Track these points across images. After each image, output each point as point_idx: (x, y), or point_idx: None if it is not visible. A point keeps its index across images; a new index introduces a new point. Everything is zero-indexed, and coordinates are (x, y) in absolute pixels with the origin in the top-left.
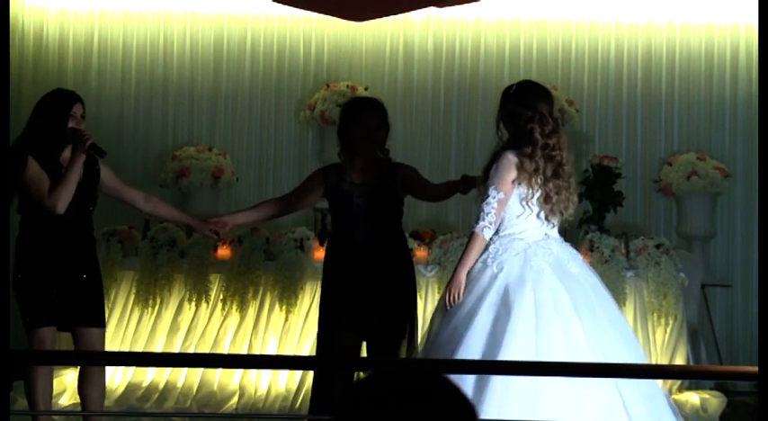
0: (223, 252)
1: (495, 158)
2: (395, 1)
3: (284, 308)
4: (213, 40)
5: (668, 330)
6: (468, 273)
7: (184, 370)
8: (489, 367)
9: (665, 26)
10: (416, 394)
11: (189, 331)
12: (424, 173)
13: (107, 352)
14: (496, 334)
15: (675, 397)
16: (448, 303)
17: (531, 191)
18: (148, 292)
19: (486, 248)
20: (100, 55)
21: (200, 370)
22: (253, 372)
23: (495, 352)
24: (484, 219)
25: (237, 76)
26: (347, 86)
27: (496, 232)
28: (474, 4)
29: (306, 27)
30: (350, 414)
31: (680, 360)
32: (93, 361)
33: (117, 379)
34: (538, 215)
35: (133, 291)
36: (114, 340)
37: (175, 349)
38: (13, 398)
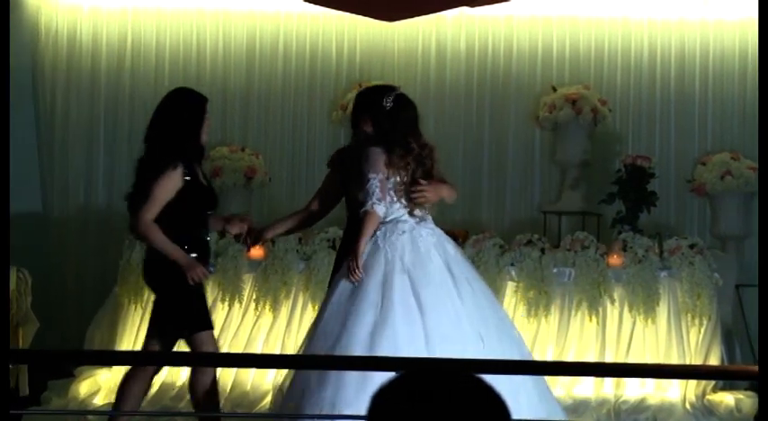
0: (256, 252)
1: (363, 154)
2: (427, 0)
3: (317, 307)
4: (246, 39)
5: (702, 331)
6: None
7: (218, 369)
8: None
9: (698, 23)
10: (450, 393)
11: (222, 331)
12: (458, 172)
13: (142, 352)
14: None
15: (710, 397)
16: (351, 276)
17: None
18: None
19: (376, 234)
20: (133, 54)
21: (234, 369)
22: (285, 372)
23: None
24: (371, 198)
25: (270, 76)
26: None
27: (384, 220)
28: (506, 2)
29: (338, 26)
30: (383, 413)
31: (714, 360)
32: (124, 360)
33: None
34: (402, 203)
35: None
36: None
37: None
38: (47, 398)
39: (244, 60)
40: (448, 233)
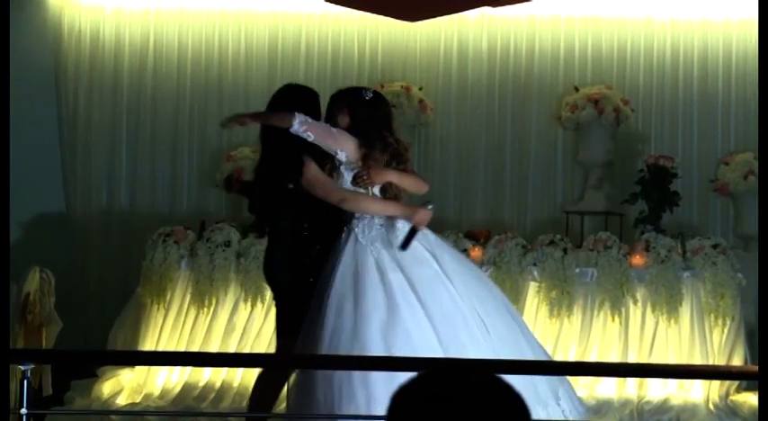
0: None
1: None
2: (449, 1)
3: None
4: (268, 39)
5: (725, 331)
6: (341, 249)
7: (240, 370)
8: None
9: (721, 23)
10: (470, 393)
11: (244, 331)
12: (479, 173)
13: (164, 352)
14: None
15: (733, 398)
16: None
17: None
18: (204, 293)
19: (351, 229)
20: (155, 55)
21: (257, 370)
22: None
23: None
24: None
25: (292, 76)
26: (401, 87)
27: (355, 216)
28: (528, 2)
29: (360, 26)
30: (403, 413)
31: (737, 361)
32: (147, 360)
33: (174, 378)
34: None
35: (189, 291)
36: (171, 340)
37: (231, 349)
38: (70, 398)
39: (266, 61)
40: (469, 233)
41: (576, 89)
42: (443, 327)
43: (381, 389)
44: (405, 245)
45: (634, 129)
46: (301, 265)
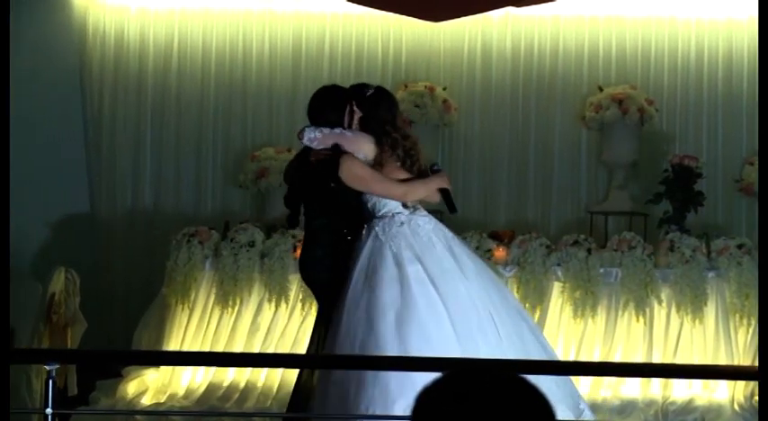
0: None
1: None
2: (472, 1)
3: None
4: (292, 39)
5: (750, 331)
6: (362, 248)
7: (264, 370)
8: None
9: (746, 22)
10: (496, 393)
11: (269, 331)
12: (503, 173)
13: (189, 352)
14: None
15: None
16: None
17: None
18: (228, 293)
19: (372, 229)
20: (180, 55)
21: (281, 370)
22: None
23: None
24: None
25: (316, 76)
26: (425, 87)
27: (376, 215)
28: (552, 2)
29: (384, 27)
30: (427, 413)
31: None
32: (171, 361)
33: (198, 378)
34: None
35: (213, 291)
36: (195, 340)
37: (255, 349)
38: (95, 398)
39: (290, 61)
40: (493, 234)
41: (600, 89)
42: (460, 322)
43: (394, 381)
44: (453, 206)
45: (658, 128)
46: (342, 264)
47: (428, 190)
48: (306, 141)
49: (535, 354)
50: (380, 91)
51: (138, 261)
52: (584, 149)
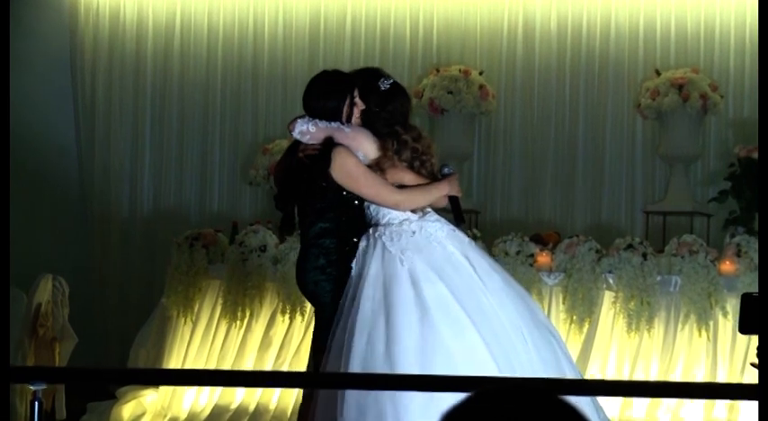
0: None
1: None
2: None
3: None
4: (309, 17)
5: None
6: (367, 260)
7: (277, 390)
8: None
9: None
10: (533, 415)
11: (282, 347)
12: (547, 168)
13: (192, 370)
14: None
15: None
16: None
17: None
18: (237, 304)
19: (378, 238)
20: (183, 35)
21: (296, 391)
22: None
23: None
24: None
25: (336, 59)
26: (459, 70)
27: (380, 221)
28: None
29: (413, 3)
30: None
31: None
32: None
33: (203, 400)
34: None
35: (220, 302)
36: (199, 357)
37: (267, 367)
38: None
39: (306, 42)
40: (536, 237)
41: (658, 73)
42: (494, 343)
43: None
44: (461, 217)
45: (724, 117)
46: (344, 273)
47: (430, 199)
48: (296, 134)
49: (570, 375)
50: (397, 87)
51: (136, 268)
52: (640, 141)
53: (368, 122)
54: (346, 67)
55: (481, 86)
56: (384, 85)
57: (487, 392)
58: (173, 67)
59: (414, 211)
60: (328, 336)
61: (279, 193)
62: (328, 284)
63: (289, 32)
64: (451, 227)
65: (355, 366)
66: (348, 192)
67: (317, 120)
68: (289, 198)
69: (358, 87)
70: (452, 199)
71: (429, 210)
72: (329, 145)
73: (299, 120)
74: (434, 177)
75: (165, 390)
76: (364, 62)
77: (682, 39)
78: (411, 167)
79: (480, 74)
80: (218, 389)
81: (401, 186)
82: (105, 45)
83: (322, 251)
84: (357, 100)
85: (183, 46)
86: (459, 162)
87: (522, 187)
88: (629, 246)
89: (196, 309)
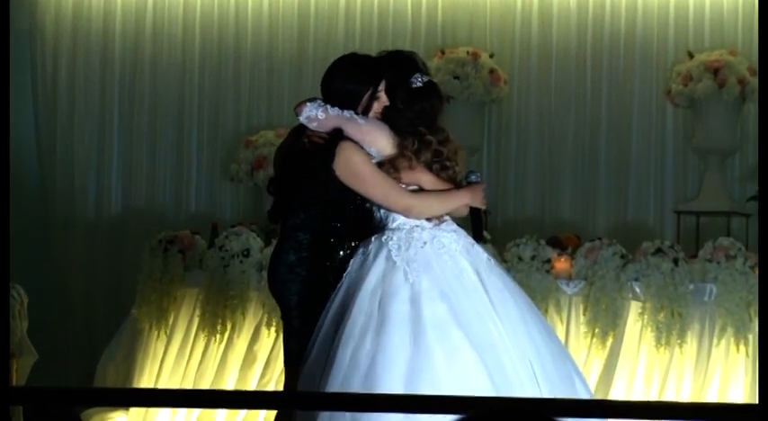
0: None
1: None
2: None
3: None
4: None
5: None
6: (367, 267)
7: (262, 412)
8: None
9: None
10: None
11: (267, 364)
12: (566, 162)
13: (168, 390)
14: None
15: None
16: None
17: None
18: (216, 315)
19: (383, 244)
20: (156, 13)
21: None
22: None
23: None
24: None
25: (328, 40)
26: (467, 52)
27: (389, 225)
28: None
29: None
30: None
31: None
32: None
33: None
34: None
35: (197, 313)
36: (174, 375)
37: (250, 386)
38: None
39: (295, 19)
40: (553, 240)
41: (691, 55)
42: (499, 373)
43: None
44: (480, 234)
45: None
46: (320, 272)
47: (446, 208)
48: (303, 119)
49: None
50: (431, 86)
51: (103, 274)
52: (670, 132)
53: (389, 118)
54: (339, 47)
55: (492, 71)
56: (416, 82)
57: (479, 416)
58: (144, 48)
59: (429, 219)
60: (299, 347)
61: (275, 177)
62: (295, 286)
63: (275, 9)
64: (470, 240)
65: (335, 381)
66: (349, 192)
67: (329, 106)
68: (285, 184)
69: (386, 79)
70: (474, 211)
71: (447, 218)
72: (335, 138)
73: (308, 104)
74: (456, 184)
75: (137, 412)
76: (360, 42)
77: (717, 16)
78: (429, 170)
79: (491, 56)
80: (196, 411)
81: (417, 190)
82: (68, 23)
83: (293, 245)
84: (381, 94)
85: (156, 24)
86: (466, 156)
87: (538, 184)
88: (658, 251)
89: (171, 322)
